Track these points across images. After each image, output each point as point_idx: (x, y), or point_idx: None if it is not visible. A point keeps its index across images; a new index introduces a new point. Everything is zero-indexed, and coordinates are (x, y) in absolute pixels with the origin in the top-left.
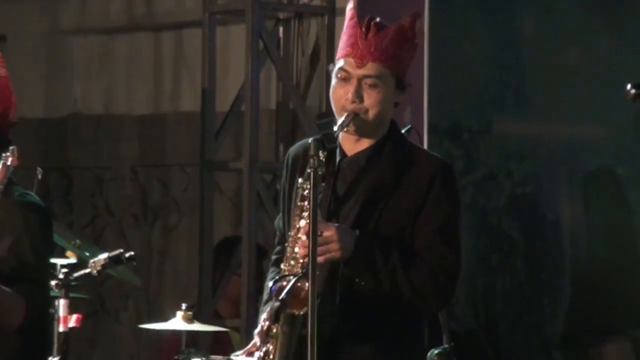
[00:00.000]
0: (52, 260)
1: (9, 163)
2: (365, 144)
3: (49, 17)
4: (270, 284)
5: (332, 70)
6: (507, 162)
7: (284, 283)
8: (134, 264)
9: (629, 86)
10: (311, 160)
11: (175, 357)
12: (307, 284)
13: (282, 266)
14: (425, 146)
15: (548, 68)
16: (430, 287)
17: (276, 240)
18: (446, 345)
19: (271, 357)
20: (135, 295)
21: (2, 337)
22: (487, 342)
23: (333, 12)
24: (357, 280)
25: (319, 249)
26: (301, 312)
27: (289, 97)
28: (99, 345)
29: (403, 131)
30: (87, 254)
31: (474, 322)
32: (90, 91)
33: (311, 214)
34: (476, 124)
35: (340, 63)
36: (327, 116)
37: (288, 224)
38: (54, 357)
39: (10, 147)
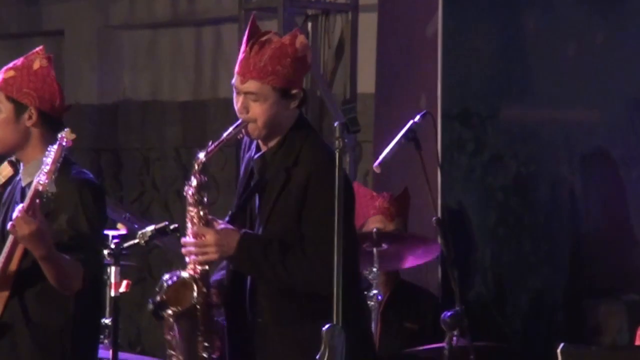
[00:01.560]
0: (105, 232)
1: (64, 143)
2: (266, 147)
3: (101, 13)
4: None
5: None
6: (513, 145)
7: (164, 283)
8: (178, 234)
9: None
10: (336, 142)
11: None
12: (194, 286)
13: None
14: (439, 130)
15: (549, 59)
16: (309, 276)
17: None
18: (458, 309)
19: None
20: (178, 264)
21: (62, 300)
22: (494, 305)
23: (356, 9)
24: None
25: (198, 250)
26: (166, 314)
27: (317, 85)
28: (146, 309)
29: (419, 116)
30: (136, 226)
31: (483, 287)
32: (138, 80)
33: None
34: (485, 110)
35: (233, 79)
36: (351, 102)
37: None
38: (106, 319)
39: (65, 129)
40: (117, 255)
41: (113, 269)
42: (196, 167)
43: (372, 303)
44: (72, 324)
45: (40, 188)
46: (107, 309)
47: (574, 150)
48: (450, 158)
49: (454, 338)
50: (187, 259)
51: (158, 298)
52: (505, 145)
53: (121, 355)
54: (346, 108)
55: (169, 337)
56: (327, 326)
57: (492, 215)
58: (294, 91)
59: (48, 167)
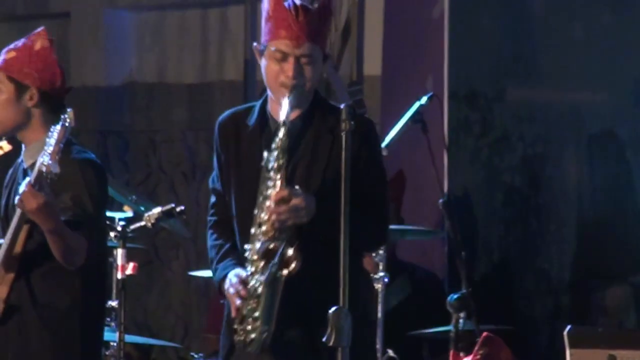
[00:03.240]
0: (111, 214)
1: (67, 124)
2: (296, 112)
3: None
4: (249, 246)
5: (260, 50)
6: (519, 125)
7: (270, 246)
8: (184, 217)
9: None
10: (342, 124)
11: None
12: (289, 249)
13: (252, 230)
14: (445, 111)
15: (556, 40)
16: (371, 232)
17: (213, 200)
18: (464, 291)
19: (256, 314)
20: (185, 246)
21: (68, 281)
22: (501, 287)
23: None
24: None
25: (289, 215)
26: (285, 274)
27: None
28: (153, 291)
29: (426, 98)
30: (142, 208)
31: (489, 269)
32: (144, 62)
33: (344, 172)
34: (491, 91)
35: (275, 45)
36: (357, 84)
37: (227, 187)
38: (113, 301)
39: (68, 109)
40: (124, 238)
41: (120, 251)
42: (282, 129)
43: (379, 286)
44: (79, 305)
45: (44, 169)
46: (114, 291)
47: (580, 132)
48: (456, 140)
49: (460, 321)
50: (264, 226)
51: (277, 260)
52: (512, 127)
53: (127, 337)
54: (353, 90)
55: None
56: (333, 308)
57: (499, 196)
58: (327, 53)
59: (52, 148)
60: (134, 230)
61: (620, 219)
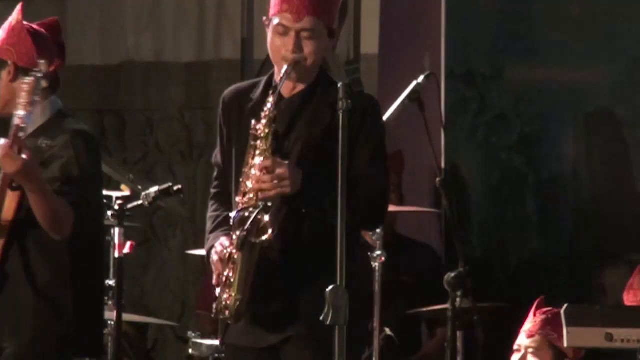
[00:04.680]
0: (108, 193)
1: (39, 74)
2: (299, 87)
3: None
4: (233, 214)
5: (267, 24)
6: (517, 104)
7: (246, 214)
8: (182, 196)
9: None
10: (340, 103)
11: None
12: (265, 217)
13: (237, 199)
14: (443, 90)
15: (554, 19)
16: (367, 211)
17: (215, 174)
18: (461, 269)
19: (232, 280)
20: (182, 225)
21: (57, 252)
22: (498, 266)
23: None
24: (304, 211)
25: (272, 184)
26: (258, 241)
27: None
28: (150, 270)
29: (423, 77)
30: (140, 187)
31: (486, 248)
32: (141, 41)
33: (341, 151)
34: (489, 70)
35: (277, 19)
36: (355, 63)
37: (228, 161)
38: (110, 280)
39: (40, 61)
40: (121, 217)
41: (117, 230)
42: (271, 98)
43: (376, 264)
44: (69, 280)
45: (19, 121)
46: (111, 270)
47: (578, 110)
48: (453, 118)
49: (457, 299)
50: (249, 195)
51: (249, 226)
52: (509, 105)
53: (125, 316)
54: (350, 69)
55: (223, 274)
56: (330, 287)
57: (496, 175)
58: (334, 29)
59: (23, 99)
60: (131, 209)
61: (618, 197)
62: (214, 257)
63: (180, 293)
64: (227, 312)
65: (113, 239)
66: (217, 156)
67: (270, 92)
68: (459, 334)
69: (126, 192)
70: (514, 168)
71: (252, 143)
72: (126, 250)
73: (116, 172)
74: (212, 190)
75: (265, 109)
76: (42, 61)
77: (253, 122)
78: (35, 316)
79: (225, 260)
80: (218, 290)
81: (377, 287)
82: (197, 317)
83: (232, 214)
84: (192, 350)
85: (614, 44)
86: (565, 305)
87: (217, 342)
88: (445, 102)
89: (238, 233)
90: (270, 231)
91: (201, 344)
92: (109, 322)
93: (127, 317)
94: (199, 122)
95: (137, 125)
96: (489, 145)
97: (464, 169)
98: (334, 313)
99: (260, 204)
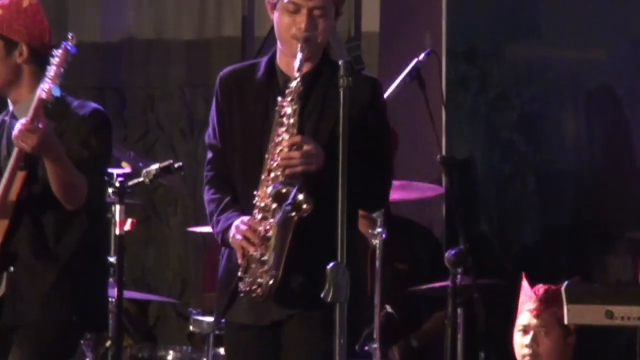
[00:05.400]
0: (109, 170)
1: (69, 47)
2: (306, 67)
3: None
4: (270, 189)
5: (273, 2)
6: (517, 82)
7: (283, 190)
8: (182, 173)
9: None
10: (340, 80)
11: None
12: (300, 195)
13: (262, 176)
14: (444, 68)
15: None
16: (374, 190)
17: (210, 156)
18: (462, 247)
19: (264, 259)
20: (183, 202)
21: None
22: (498, 244)
23: None
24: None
25: (301, 160)
26: (297, 215)
27: None
28: (151, 247)
29: (424, 55)
30: (140, 164)
31: (487, 226)
32: (142, 18)
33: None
34: (489, 48)
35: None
36: (356, 40)
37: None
38: (111, 257)
39: (70, 34)
40: (122, 194)
41: (118, 207)
42: (297, 75)
43: (377, 242)
44: (83, 254)
45: (44, 95)
46: (112, 247)
47: (579, 89)
48: (454, 97)
49: (458, 276)
50: (275, 172)
51: (291, 201)
52: (510, 84)
53: (126, 293)
54: (351, 46)
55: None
56: (331, 264)
57: (497, 153)
58: (341, 8)
59: (53, 71)
60: (132, 187)
61: (618, 175)
62: (238, 236)
63: (181, 270)
64: (259, 291)
65: (114, 216)
66: (212, 137)
67: (296, 69)
68: (459, 311)
69: (127, 170)
70: (514, 147)
71: (278, 120)
72: (127, 227)
73: (117, 149)
74: (209, 174)
75: (292, 85)
76: (71, 34)
77: (279, 99)
78: (49, 293)
79: (259, 239)
80: (242, 270)
81: (377, 264)
82: (204, 300)
83: (257, 192)
84: (193, 327)
85: (616, 22)
86: (566, 283)
87: None
88: (446, 81)
89: (279, 208)
90: (305, 206)
91: (202, 321)
92: (110, 299)
93: (128, 294)
94: (200, 100)
95: (138, 103)
96: (490, 124)
97: (465, 148)
98: (334, 291)
99: (295, 181)
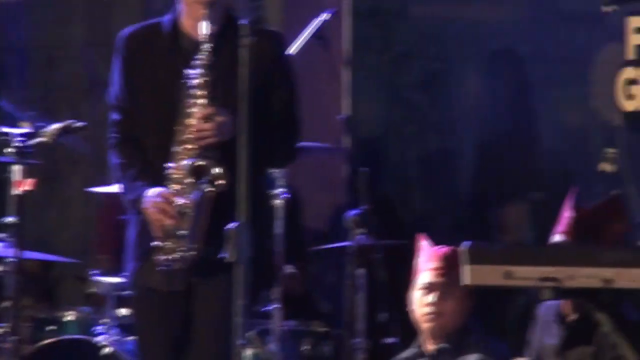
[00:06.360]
0: (9, 130)
1: None
2: (210, 29)
3: None
4: (185, 162)
5: None
6: (421, 42)
7: (199, 164)
8: (84, 133)
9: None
10: (242, 40)
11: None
12: (217, 168)
13: (176, 149)
14: (348, 28)
15: None
16: (286, 149)
17: (117, 117)
18: (364, 207)
19: (182, 232)
20: (84, 163)
21: None
22: (401, 204)
23: None
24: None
25: (215, 132)
26: (214, 189)
27: None
28: (52, 208)
29: (326, 14)
30: (41, 124)
31: (389, 186)
32: None
33: (246, 88)
34: (393, 8)
35: None
36: (258, 0)
37: (137, 102)
38: (10, 217)
39: None
40: (22, 154)
41: (16, 167)
42: (207, 45)
43: (278, 201)
44: None
45: None
46: (11, 207)
47: (481, 48)
48: (358, 56)
49: (360, 236)
50: (190, 144)
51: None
52: (413, 44)
53: (26, 253)
54: (254, 5)
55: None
56: (233, 224)
57: (400, 113)
58: None
59: None
60: (32, 146)
61: (519, 136)
62: (153, 208)
63: (82, 231)
64: (178, 262)
65: (12, 175)
66: (117, 98)
67: (203, 37)
68: (360, 271)
69: (27, 129)
70: (416, 106)
71: (188, 92)
72: (27, 187)
73: (17, 109)
74: (115, 136)
75: (200, 56)
76: None
77: (189, 70)
78: None
79: (174, 211)
80: (160, 241)
81: (280, 224)
82: (98, 262)
83: (171, 164)
84: (94, 288)
85: None
86: (465, 243)
87: (117, 280)
88: (351, 41)
89: (196, 184)
90: (221, 182)
91: (102, 282)
92: (9, 259)
93: (27, 254)
94: (102, 60)
95: (39, 63)
96: (392, 84)
97: (368, 107)
98: (236, 250)
99: (210, 154)
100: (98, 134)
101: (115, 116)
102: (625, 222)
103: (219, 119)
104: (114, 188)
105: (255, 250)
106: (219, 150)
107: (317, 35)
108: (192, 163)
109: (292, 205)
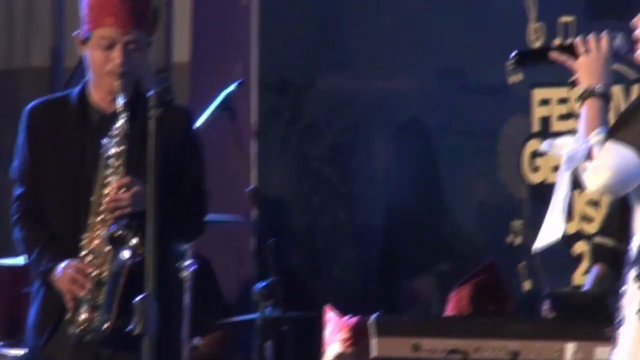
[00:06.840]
0: None
1: None
2: (124, 98)
3: None
4: (104, 232)
5: (83, 38)
6: (329, 113)
7: (118, 233)
8: None
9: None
10: (150, 111)
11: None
12: (134, 239)
13: (91, 220)
14: (255, 99)
15: (366, 28)
16: (194, 222)
17: (20, 191)
18: (272, 279)
19: (97, 303)
20: None
21: None
22: (308, 276)
23: None
24: None
25: (130, 202)
26: (131, 261)
27: None
28: None
29: (234, 85)
30: None
31: (297, 258)
32: None
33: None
34: (301, 79)
35: (101, 32)
36: (165, 72)
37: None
38: None
39: None
40: None
41: None
42: (124, 116)
43: (186, 274)
44: None
45: None
46: None
47: (389, 120)
48: (266, 128)
49: (268, 309)
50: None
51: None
52: (321, 115)
53: None
54: (160, 77)
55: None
56: (140, 296)
57: (308, 184)
58: (152, 39)
59: None
60: None
61: (427, 207)
62: (66, 280)
63: None
64: (92, 334)
65: None
66: (21, 172)
67: (119, 108)
68: (268, 344)
69: None
70: (325, 177)
71: (105, 162)
72: None
73: None
74: (20, 209)
75: (117, 126)
76: None
77: (105, 140)
78: None
79: (89, 282)
80: (71, 312)
81: (187, 297)
82: None
83: (85, 235)
84: None
85: (424, 54)
86: (374, 316)
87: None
88: (258, 112)
89: (114, 254)
90: (139, 252)
91: (6, 355)
92: None
93: None
94: (7, 132)
95: None
96: (301, 155)
97: (276, 179)
98: (143, 323)
99: (127, 223)
100: (1, 206)
101: (18, 190)
102: (502, 302)
103: (136, 188)
104: (17, 260)
105: (161, 323)
106: (132, 220)
107: (225, 106)
108: (112, 232)
109: (206, 272)
